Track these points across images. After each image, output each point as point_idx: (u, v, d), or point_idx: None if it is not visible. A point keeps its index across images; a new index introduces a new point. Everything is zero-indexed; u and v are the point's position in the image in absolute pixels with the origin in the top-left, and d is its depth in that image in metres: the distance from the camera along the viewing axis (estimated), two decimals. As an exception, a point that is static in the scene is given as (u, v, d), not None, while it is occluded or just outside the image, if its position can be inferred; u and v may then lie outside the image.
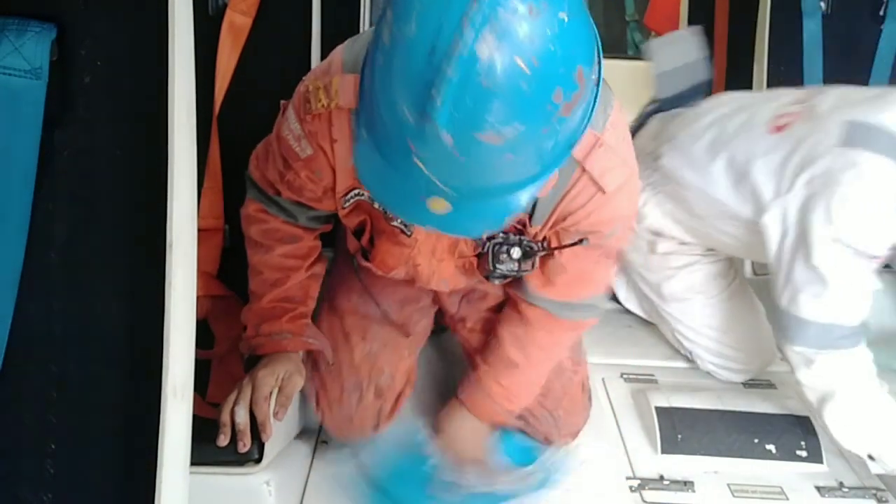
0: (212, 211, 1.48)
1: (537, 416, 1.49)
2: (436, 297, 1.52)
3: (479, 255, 1.25)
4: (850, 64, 2.06)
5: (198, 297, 0.79)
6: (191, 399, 0.77)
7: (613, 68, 4.36)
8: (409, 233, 1.21)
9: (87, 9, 0.75)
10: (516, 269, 1.21)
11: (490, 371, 1.39)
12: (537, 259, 1.23)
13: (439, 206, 0.84)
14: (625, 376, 1.84)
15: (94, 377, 0.76)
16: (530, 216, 1.17)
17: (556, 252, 1.22)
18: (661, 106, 1.96)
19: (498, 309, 1.49)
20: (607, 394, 1.77)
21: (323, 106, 1.08)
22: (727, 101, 1.67)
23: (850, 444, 1.44)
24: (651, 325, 2.02)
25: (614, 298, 2.08)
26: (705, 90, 1.83)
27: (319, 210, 1.27)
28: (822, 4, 2.05)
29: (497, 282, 1.30)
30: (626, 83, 3.72)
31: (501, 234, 1.20)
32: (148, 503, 0.73)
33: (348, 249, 1.47)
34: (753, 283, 1.91)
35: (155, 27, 0.73)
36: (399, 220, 1.20)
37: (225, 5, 1.46)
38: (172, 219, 0.73)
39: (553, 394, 1.46)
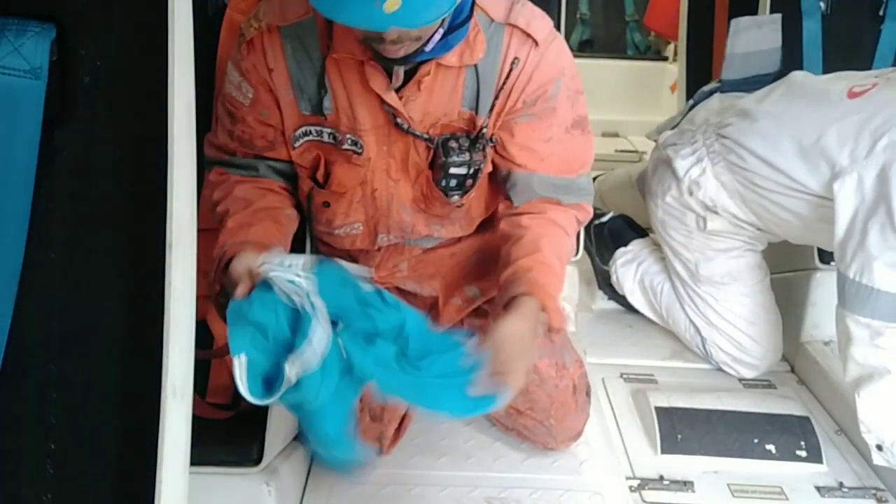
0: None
1: (530, 428, 1.48)
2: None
3: (431, 166, 1.26)
4: (850, 64, 2.05)
5: (198, 297, 0.79)
6: (191, 399, 0.77)
7: (613, 68, 4.36)
8: (360, 150, 1.24)
9: (87, 9, 0.75)
10: (468, 159, 1.24)
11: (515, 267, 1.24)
12: (487, 148, 1.26)
13: (392, 4, 0.96)
14: (625, 376, 1.85)
15: (94, 377, 0.76)
16: (476, 109, 1.23)
17: (509, 140, 1.26)
18: (723, 87, 1.97)
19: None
20: (607, 394, 1.77)
21: (255, 28, 1.19)
22: (799, 76, 1.67)
23: (873, 427, 1.41)
24: (651, 325, 2.02)
25: (616, 292, 2.08)
26: (770, 81, 1.84)
27: (277, 159, 1.28)
28: (822, 4, 2.05)
29: (456, 197, 1.29)
30: (627, 83, 3.74)
31: (448, 133, 1.24)
32: (148, 503, 0.73)
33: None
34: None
35: (155, 27, 0.73)
36: (349, 142, 1.23)
37: (225, 5, 1.46)
38: (172, 219, 0.73)
39: (539, 404, 1.46)
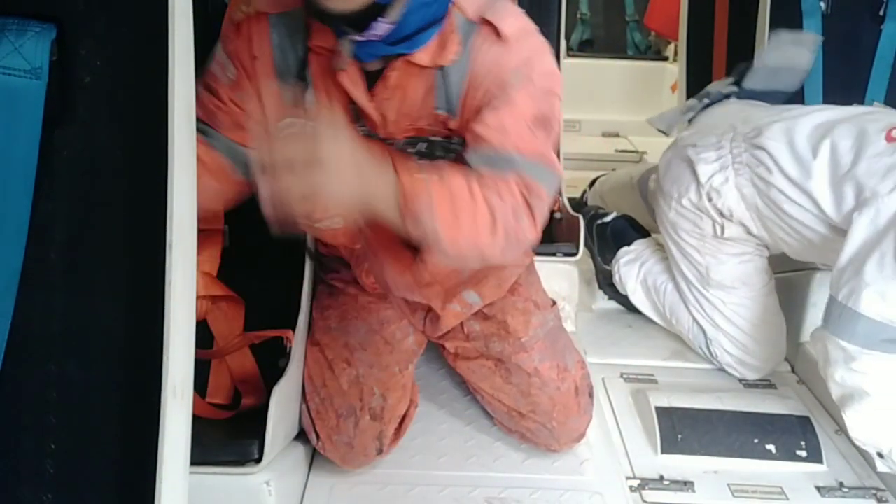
0: (212, 211, 1.49)
1: (532, 430, 1.49)
2: (413, 314, 1.52)
3: None
4: (850, 64, 2.06)
5: (198, 298, 0.79)
6: (191, 399, 0.77)
7: (613, 68, 4.37)
8: None
9: (87, 9, 0.74)
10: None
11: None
12: (458, 151, 1.21)
13: None
14: (625, 376, 1.85)
15: (94, 377, 0.76)
16: (449, 111, 1.18)
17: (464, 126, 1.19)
18: (740, 94, 1.96)
19: (470, 339, 1.50)
20: (607, 394, 1.77)
21: (243, 12, 1.17)
22: (837, 107, 1.67)
23: (866, 441, 1.43)
24: (651, 325, 2.02)
25: (617, 292, 2.08)
26: (784, 99, 1.86)
27: (233, 140, 1.22)
28: (822, 4, 2.05)
29: None
30: (627, 83, 3.74)
31: (423, 141, 1.21)
32: (148, 503, 0.73)
33: (323, 279, 1.51)
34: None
35: (155, 27, 0.73)
36: None
37: (225, 4, 1.46)
38: (172, 219, 0.73)
39: (541, 407, 1.46)
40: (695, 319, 1.87)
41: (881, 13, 2.04)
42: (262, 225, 1.42)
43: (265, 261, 1.45)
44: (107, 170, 0.76)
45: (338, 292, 1.49)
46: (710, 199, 1.74)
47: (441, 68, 1.16)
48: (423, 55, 1.15)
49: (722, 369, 1.86)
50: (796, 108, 1.72)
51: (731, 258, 1.79)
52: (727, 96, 1.98)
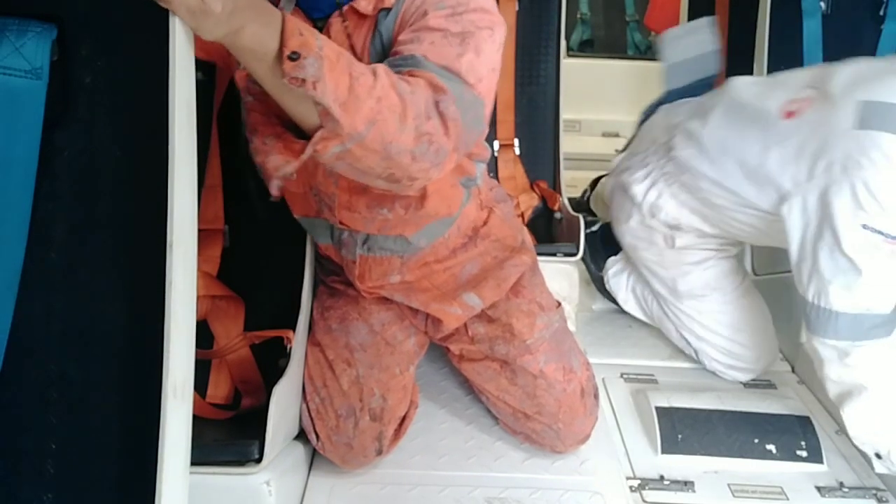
0: (212, 211, 1.49)
1: (538, 432, 1.49)
2: (415, 316, 1.51)
3: None
4: (850, 64, 2.06)
5: (198, 297, 0.79)
6: (191, 399, 0.77)
7: (613, 68, 4.33)
8: None
9: (87, 9, 0.75)
10: None
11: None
12: None
13: None
14: (625, 376, 1.85)
15: (94, 377, 0.76)
16: (382, 58, 1.11)
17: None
18: (668, 98, 1.96)
19: (475, 341, 1.50)
20: (607, 394, 1.77)
21: None
22: (738, 88, 1.64)
23: (865, 439, 1.42)
24: (651, 326, 2.02)
25: (613, 300, 2.08)
26: (711, 84, 1.84)
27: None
28: (822, 4, 2.05)
29: None
30: (627, 83, 3.74)
31: None
32: (148, 503, 0.73)
33: (323, 281, 1.50)
34: (755, 283, 1.91)
35: (155, 27, 0.73)
36: None
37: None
38: (172, 219, 0.73)
39: (547, 409, 1.46)
40: (678, 331, 1.87)
41: (881, 13, 2.04)
42: (262, 225, 1.43)
43: (265, 261, 1.45)
44: (107, 170, 0.77)
45: (339, 293, 1.49)
46: (652, 216, 1.74)
47: (379, 14, 1.13)
48: (364, 3, 1.12)
49: (720, 372, 1.86)
50: (701, 105, 1.69)
51: (694, 267, 1.78)
52: (657, 106, 1.98)
